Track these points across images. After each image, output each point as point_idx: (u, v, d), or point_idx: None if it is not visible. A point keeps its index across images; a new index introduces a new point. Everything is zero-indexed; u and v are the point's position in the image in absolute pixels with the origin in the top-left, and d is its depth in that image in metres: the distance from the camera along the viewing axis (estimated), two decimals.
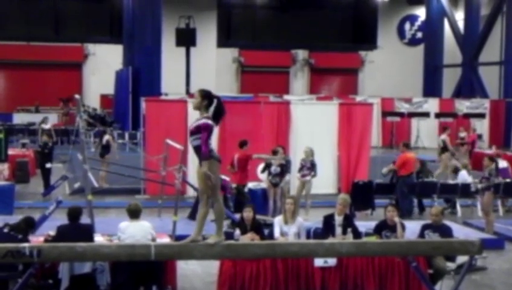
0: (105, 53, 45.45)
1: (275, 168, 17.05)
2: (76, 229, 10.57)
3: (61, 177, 15.29)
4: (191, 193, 19.15)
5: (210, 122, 7.85)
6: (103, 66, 44.83)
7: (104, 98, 45.31)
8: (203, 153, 7.76)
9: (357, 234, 11.88)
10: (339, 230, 11.77)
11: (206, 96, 7.95)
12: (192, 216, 16.18)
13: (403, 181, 17.79)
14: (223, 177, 16.91)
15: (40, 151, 21.13)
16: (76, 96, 13.96)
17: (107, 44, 45.83)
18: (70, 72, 46.08)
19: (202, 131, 7.77)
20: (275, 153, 17.37)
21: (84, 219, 11.32)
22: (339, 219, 11.90)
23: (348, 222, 11.93)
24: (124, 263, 10.03)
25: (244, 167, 17.05)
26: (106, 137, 22.41)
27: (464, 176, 18.99)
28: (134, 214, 10.76)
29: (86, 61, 46.63)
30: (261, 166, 17.87)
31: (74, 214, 10.71)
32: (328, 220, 12.03)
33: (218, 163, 7.94)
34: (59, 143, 30.22)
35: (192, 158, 19.67)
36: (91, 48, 46.32)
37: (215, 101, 7.97)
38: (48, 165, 20.36)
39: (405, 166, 17.96)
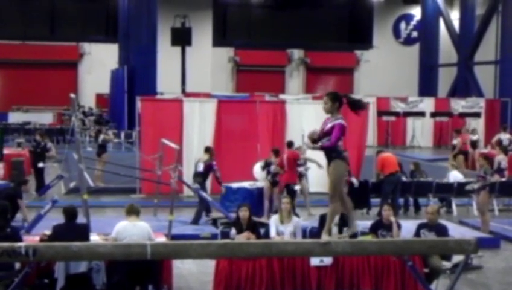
0: (100, 52, 45.41)
1: (274, 167, 17.05)
2: (72, 229, 10.55)
3: (57, 176, 15.24)
4: (186, 192, 19.19)
5: (344, 123, 8.21)
6: (99, 65, 44.80)
7: (99, 97, 45.28)
8: (329, 145, 8.08)
9: (352, 233, 11.87)
10: (335, 229, 11.78)
11: (336, 99, 8.32)
12: (195, 220, 16.16)
13: (388, 180, 17.79)
14: (201, 163, 17.02)
15: (33, 150, 21.10)
16: (72, 95, 13.95)
17: (103, 43, 45.79)
18: (65, 71, 46.01)
19: (335, 130, 8.09)
20: (276, 153, 17.38)
21: (80, 219, 11.30)
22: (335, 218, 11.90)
23: (344, 221, 11.93)
24: (120, 263, 10.01)
25: (292, 167, 17.11)
26: (102, 136, 22.40)
27: (456, 176, 19.05)
28: (132, 211, 10.69)
29: (82, 60, 46.58)
30: (260, 164, 17.87)
31: (70, 213, 10.69)
32: (324, 219, 12.01)
33: (345, 165, 8.20)
34: (55, 142, 30.16)
35: (188, 158, 19.76)
36: (87, 47, 46.26)
37: (344, 100, 8.35)
38: (41, 165, 20.30)
39: (385, 166, 17.96)
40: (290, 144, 17.68)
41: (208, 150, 17.29)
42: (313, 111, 21.35)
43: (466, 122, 36.01)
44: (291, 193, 16.69)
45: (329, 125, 8.14)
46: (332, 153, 8.07)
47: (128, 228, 10.48)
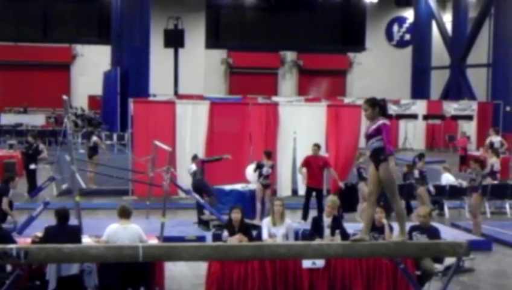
0: (93, 54, 45.40)
1: (266, 170, 17.03)
2: (64, 231, 10.51)
3: (49, 178, 15.21)
4: (179, 194, 19.16)
5: (388, 123, 8.28)
6: (91, 66, 44.79)
7: (92, 99, 45.26)
8: (389, 150, 8.10)
9: (345, 236, 11.87)
10: (327, 231, 11.79)
11: (375, 104, 8.37)
12: (200, 221, 16.17)
13: None
14: (193, 164, 17.13)
15: (25, 152, 21.05)
16: (64, 97, 13.92)
17: (96, 45, 45.78)
18: (58, 72, 45.99)
19: (383, 132, 8.14)
20: (268, 155, 17.37)
21: (72, 220, 11.27)
22: (327, 221, 11.92)
23: (337, 224, 11.94)
24: (111, 265, 9.98)
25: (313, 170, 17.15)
26: (94, 138, 22.36)
27: (448, 178, 19.08)
28: (123, 213, 10.66)
29: (74, 62, 46.57)
30: (252, 166, 17.86)
31: (62, 215, 10.66)
32: (317, 222, 12.04)
33: (396, 165, 8.24)
34: (47, 144, 30.11)
35: (181, 160, 19.74)
36: (79, 48, 46.26)
37: (382, 103, 8.47)
38: (32, 166, 20.24)
39: None
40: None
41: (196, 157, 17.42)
42: (305, 113, 21.41)
43: (459, 125, 36.10)
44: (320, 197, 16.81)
45: (373, 127, 8.21)
46: (381, 156, 8.10)
47: (118, 232, 10.43)
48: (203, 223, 15.97)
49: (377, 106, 8.36)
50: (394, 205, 8.29)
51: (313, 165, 17.09)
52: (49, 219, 11.49)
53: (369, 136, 8.24)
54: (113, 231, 10.47)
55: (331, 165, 17.56)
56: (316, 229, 11.88)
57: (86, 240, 11.22)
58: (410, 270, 10.09)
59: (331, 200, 12.30)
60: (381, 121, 8.23)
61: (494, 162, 19.75)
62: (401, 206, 8.46)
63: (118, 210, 10.77)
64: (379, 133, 8.16)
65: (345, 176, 20.30)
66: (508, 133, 33.40)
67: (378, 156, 8.13)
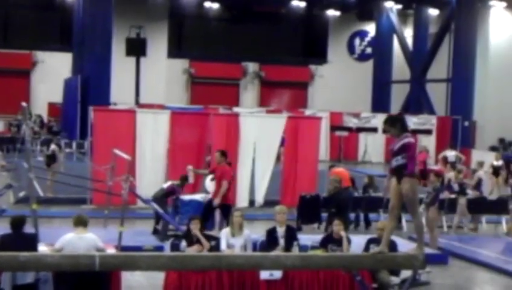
0: (54, 61, 44.96)
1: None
2: (20, 239, 10.42)
3: (6, 185, 15.06)
4: (138, 204, 19.07)
5: (413, 140, 8.28)
6: (52, 74, 44.34)
7: (52, 106, 44.80)
8: (410, 169, 8.06)
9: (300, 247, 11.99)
10: (282, 242, 11.83)
11: (396, 121, 8.49)
12: (155, 231, 16.11)
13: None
14: (171, 182, 17.05)
15: None
16: (23, 104, 13.80)
17: (57, 52, 45.35)
18: (18, 79, 45.46)
19: (408, 150, 8.13)
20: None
21: (29, 229, 11.16)
22: (280, 231, 11.97)
23: (292, 235, 12.00)
24: (67, 273, 9.89)
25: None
26: (52, 146, 22.18)
27: None
28: (79, 223, 10.56)
29: (35, 68, 46.09)
30: (212, 176, 17.80)
31: (17, 223, 10.55)
32: (271, 233, 12.07)
33: (417, 181, 8.26)
34: (5, 151, 29.81)
35: (140, 169, 19.65)
36: (40, 55, 45.79)
37: (399, 116, 8.71)
38: None
39: None
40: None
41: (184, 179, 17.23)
42: (265, 124, 21.44)
43: (417, 139, 36.36)
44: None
45: (398, 145, 8.23)
46: (404, 170, 8.10)
47: (73, 242, 10.30)
48: (159, 233, 15.93)
49: (398, 123, 8.41)
50: (414, 219, 8.31)
51: (216, 176, 16.35)
52: (5, 227, 11.36)
53: (394, 153, 8.23)
54: (67, 241, 10.33)
55: (227, 177, 16.11)
56: (271, 241, 11.93)
57: (43, 248, 11.12)
58: (367, 282, 10.15)
59: (279, 208, 12.42)
60: (407, 140, 8.23)
61: (450, 176, 19.95)
62: (421, 220, 8.49)
63: (73, 219, 10.68)
64: (404, 151, 8.15)
65: (312, 187, 20.19)
66: (466, 148, 33.79)
67: (402, 172, 8.12)
